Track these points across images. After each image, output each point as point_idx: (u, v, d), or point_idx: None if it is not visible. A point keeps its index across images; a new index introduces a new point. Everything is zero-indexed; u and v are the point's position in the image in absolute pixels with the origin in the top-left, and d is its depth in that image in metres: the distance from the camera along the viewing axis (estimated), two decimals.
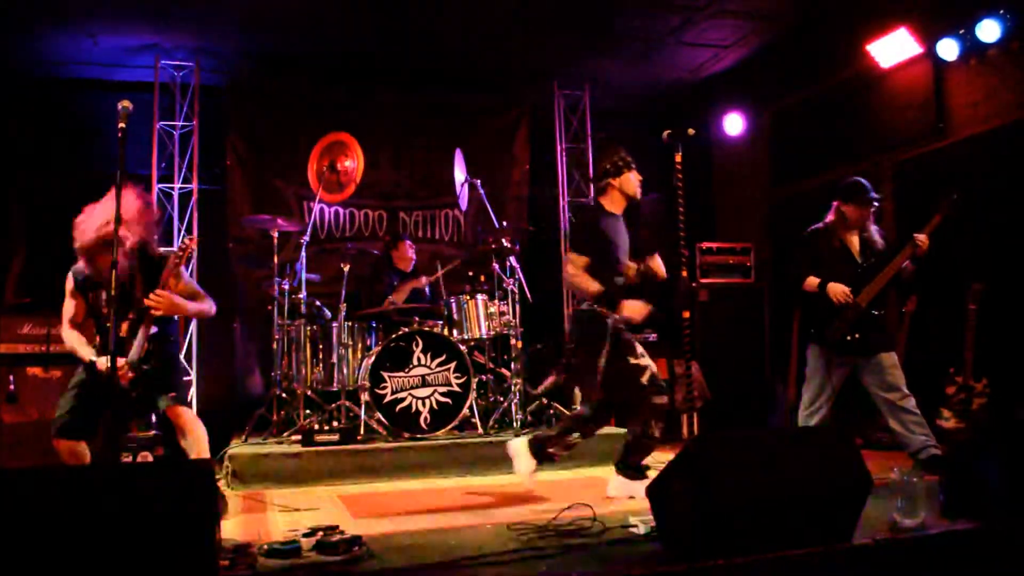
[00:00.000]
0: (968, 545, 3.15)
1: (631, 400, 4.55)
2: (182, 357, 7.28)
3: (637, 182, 4.82)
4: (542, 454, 4.59)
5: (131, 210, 4.00)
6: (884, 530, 3.26)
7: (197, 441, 4.19)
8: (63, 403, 4.11)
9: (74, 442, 4.09)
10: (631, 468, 4.58)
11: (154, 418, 4.21)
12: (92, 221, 3.97)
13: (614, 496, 4.51)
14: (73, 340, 4.18)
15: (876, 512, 3.30)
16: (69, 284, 4.21)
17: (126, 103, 3.63)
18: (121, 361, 3.97)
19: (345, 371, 6.23)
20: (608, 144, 4.99)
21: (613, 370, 4.47)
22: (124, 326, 4.07)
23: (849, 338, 4.90)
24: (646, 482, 3.65)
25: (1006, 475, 3.41)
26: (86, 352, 4.11)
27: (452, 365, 6.04)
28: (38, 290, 6.39)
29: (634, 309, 4.48)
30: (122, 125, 3.61)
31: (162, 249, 4.34)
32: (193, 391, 7.32)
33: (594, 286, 4.49)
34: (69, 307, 4.23)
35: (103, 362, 3.99)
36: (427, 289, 7.03)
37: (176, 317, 4.47)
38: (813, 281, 5.01)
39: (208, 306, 4.40)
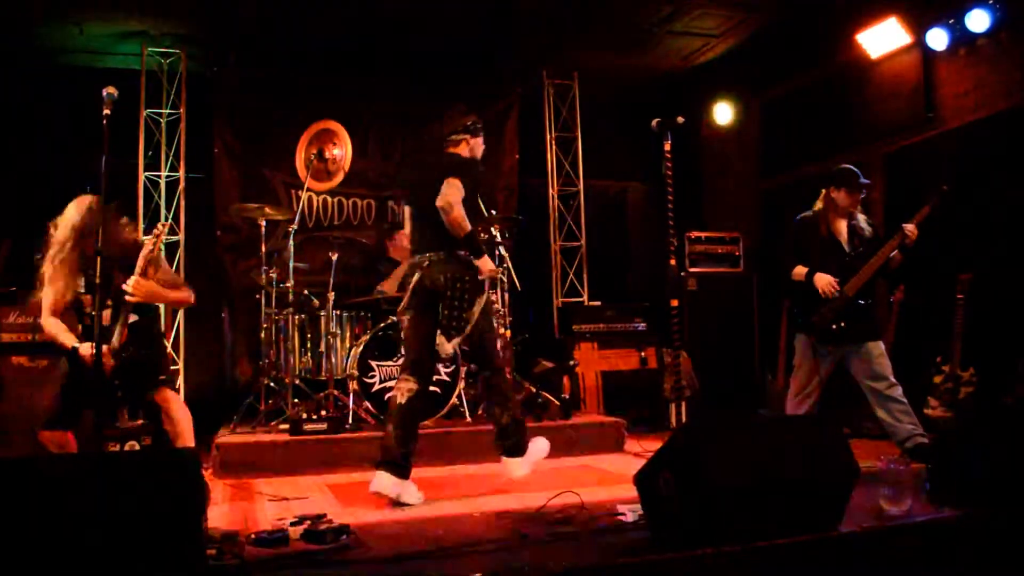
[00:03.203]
0: (954, 533, 3.17)
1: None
2: (170, 346, 7.27)
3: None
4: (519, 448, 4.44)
5: (95, 228, 3.96)
6: (871, 518, 3.27)
7: (181, 426, 4.17)
8: (55, 396, 4.11)
9: (60, 432, 4.07)
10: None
11: (139, 405, 4.19)
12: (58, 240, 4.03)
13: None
14: (54, 328, 4.14)
15: (863, 500, 3.31)
16: (47, 271, 4.18)
17: (111, 89, 3.61)
18: (104, 348, 3.94)
19: (333, 360, 6.22)
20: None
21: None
22: (106, 314, 4.04)
23: (836, 327, 4.91)
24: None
25: (992, 463, 3.43)
26: (68, 339, 4.09)
27: None
28: (23, 279, 6.35)
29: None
30: (107, 112, 3.59)
31: (139, 236, 4.33)
32: (181, 380, 7.29)
33: (467, 225, 4.23)
34: (48, 294, 4.19)
35: (86, 348, 3.98)
36: None
37: (157, 305, 4.45)
38: (801, 271, 5.02)
39: (186, 295, 4.40)
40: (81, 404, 4.09)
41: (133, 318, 4.11)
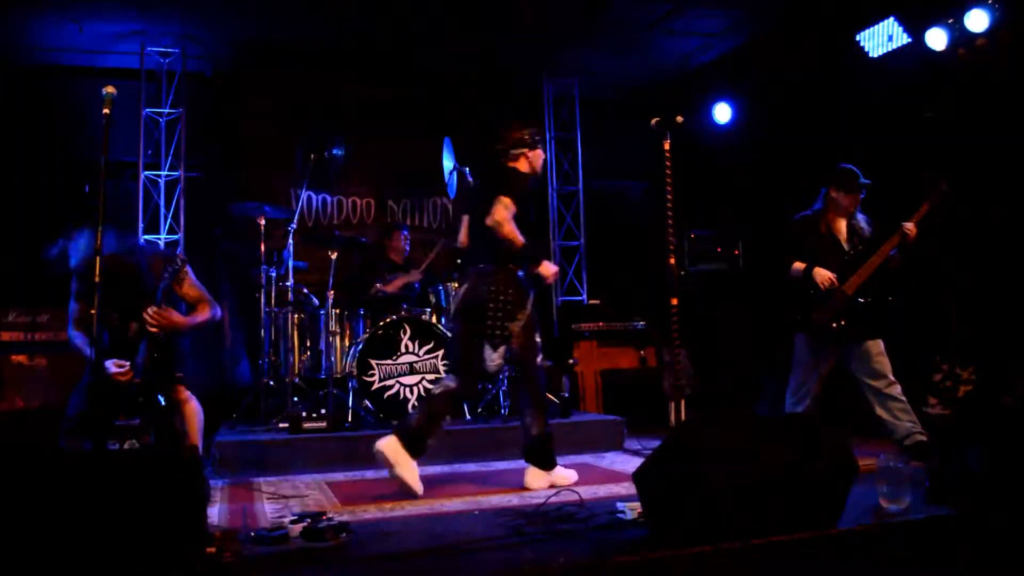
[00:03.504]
0: (953, 531, 3.17)
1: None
2: None
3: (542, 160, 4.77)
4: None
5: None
6: (870, 516, 3.28)
7: (193, 426, 4.26)
8: (75, 405, 4.14)
9: (80, 440, 4.12)
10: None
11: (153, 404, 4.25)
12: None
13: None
14: (79, 341, 4.25)
15: (862, 498, 3.32)
16: (73, 287, 4.29)
17: (110, 89, 3.60)
18: (127, 364, 4.08)
19: (333, 358, 6.22)
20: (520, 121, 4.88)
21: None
22: (132, 326, 4.13)
23: (835, 325, 4.92)
24: None
25: (991, 462, 3.44)
26: (91, 354, 4.14)
27: (440, 352, 6.04)
28: (23, 278, 6.35)
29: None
30: (106, 111, 3.58)
31: (161, 238, 4.39)
32: None
33: (520, 239, 4.34)
34: (75, 309, 4.30)
35: (113, 366, 4.07)
36: (416, 284, 7.01)
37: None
38: (799, 266, 5.02)
39: (210, 314, 4.45)
40: (105, 414, 4.14)
41: (155, 330, 4.19)
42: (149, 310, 4.08)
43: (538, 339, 4.50)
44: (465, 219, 4.81)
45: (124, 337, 4.19)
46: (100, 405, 4.11)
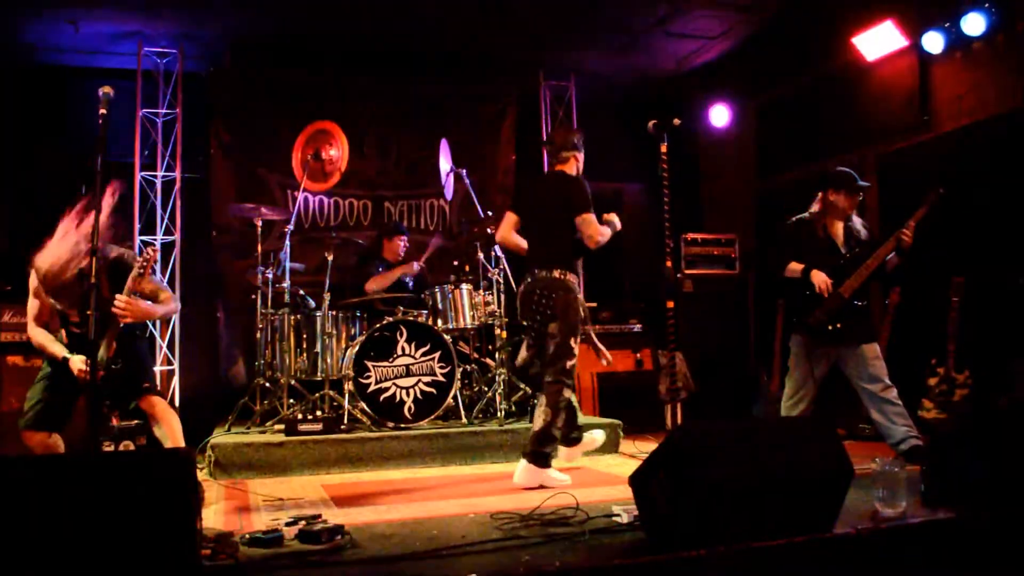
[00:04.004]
0: (948, 534, 3.18)
1: None
2: (165, 346, 7.26)
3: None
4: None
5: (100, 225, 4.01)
6: (865, 520, 3.28)
7: (171, 430, 4.24)
8: (32, 396, 4.13)
9: (45, 434, 4.11)
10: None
11: (125, 413, 4.22)
12: (56, 257, 3.98)
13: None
14: (42, 338, 4.18)
15: (858, 502, 3.32)
16: (32, 283, 4.18)
17: (107, 89, 3.60)
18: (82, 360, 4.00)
19: (329, 360, 6.21)
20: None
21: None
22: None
23: (831, 328, 4.91)
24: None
25: (986, 465, 3.44)
26: (58, 349, 4.12)
27: (436, 355, 6.03)
28: (19, 278, 6.33)
29: None
30: (103, 111, 3.58)
31: (122, 250, 4.32)
32: (176, 380, 7.29)
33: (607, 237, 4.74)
34: (33, 305, 4.22)
35: (77, 361, 4.02)
36: (410, 281, 7.00)
37: None
38: (796, 267, 5.02)
39: (173, 306, 4.42)
40: (65, 407, 4.13)
41: (121, 327, 4.12)
42: (118, 299, 4.02)
43: (574, 344, 4.64)
44: (511, 217, 5.00)
45: (84, 337, 4.15)
46: (64, 399, 4.11)
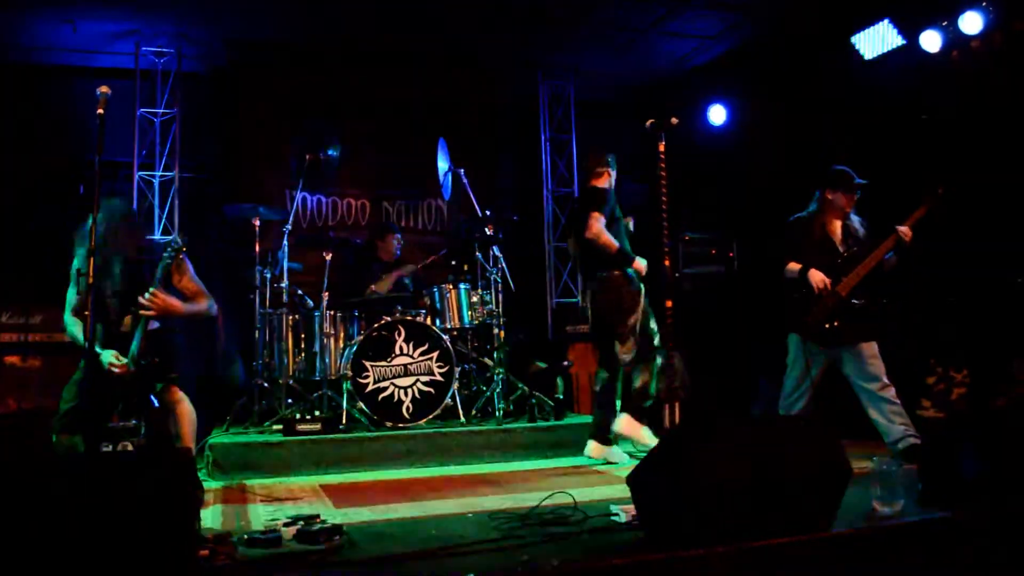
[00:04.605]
0: (946, 533, 3.18)
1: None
2: None
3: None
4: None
5: (123, 232, 4.17)
6: (863, 519, 3.28)
7: (186, 428, 4.22)
8: (66, 398, 4.09)
9: (72, 435, 4.08)
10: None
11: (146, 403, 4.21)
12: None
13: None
14: (76, 330, 4.16)
15: (855, 501, 3.32)
16: (74, 274, 4.21)
17: (104, 88, 3.60)
18: (123, 358, 4.02)
19: (327, 360, 6.21)
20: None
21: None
22: (127, 320, 4.09)
23: (829, 327, 4.91)
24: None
25: (984, 464, 3.44)
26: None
27: (435, 355, 6.03)
28: (16, 278, 6.33)
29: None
30: (100, 111, 3.58)
31: (156, 238, 4.34)
32: None
33: (615, 244, 5.17)
34: (72, 296, 4.22)
35: (108, 356, 4.02)
36: (409, 281, 7.00)
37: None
38: (794, 266, 5.02)
39: (205, 306, 4.39)
40: (100, 408, 4.11)
41: (154, 324, 4.14)
42: (146, 293, 4.03)
43: (646, 332, 5.30)
44: (572, 239, 5.63)
45: (118, 331, 4.15)
46: (95, 401, 4.09)
